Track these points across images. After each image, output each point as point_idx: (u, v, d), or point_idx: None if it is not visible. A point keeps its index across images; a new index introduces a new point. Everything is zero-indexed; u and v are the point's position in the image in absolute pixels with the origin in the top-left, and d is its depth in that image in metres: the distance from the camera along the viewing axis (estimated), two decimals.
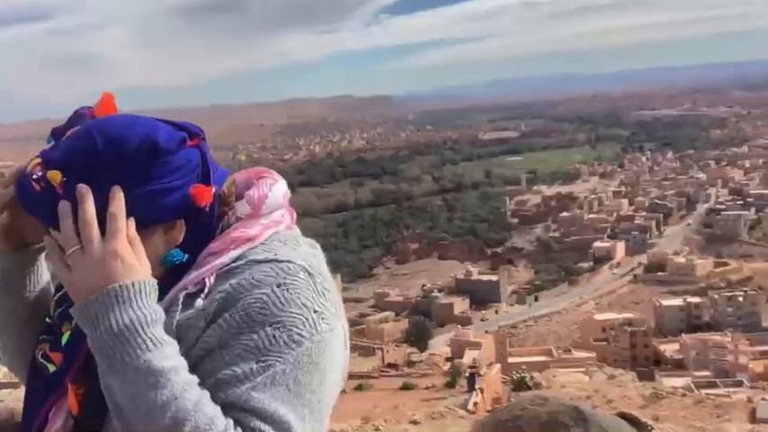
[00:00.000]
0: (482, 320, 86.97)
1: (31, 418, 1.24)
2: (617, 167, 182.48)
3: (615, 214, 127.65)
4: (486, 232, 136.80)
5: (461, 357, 46.08)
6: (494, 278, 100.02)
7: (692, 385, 33.18)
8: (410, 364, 47.71)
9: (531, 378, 24.33)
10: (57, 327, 1.26)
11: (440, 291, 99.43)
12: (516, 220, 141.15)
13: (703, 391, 26.32)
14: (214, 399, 1.08)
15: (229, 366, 1.10)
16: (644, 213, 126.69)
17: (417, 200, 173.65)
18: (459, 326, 74.68)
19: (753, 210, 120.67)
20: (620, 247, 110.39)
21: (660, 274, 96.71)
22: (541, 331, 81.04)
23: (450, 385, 27.87)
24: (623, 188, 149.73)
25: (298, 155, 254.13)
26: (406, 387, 30.08)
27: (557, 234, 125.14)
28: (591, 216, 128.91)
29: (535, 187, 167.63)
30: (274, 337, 1.10)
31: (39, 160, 1.15)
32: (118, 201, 1.11)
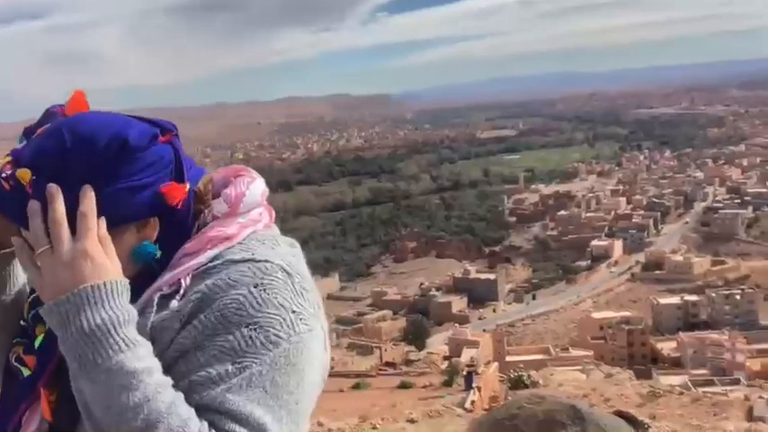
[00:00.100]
0: (480, 319, 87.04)
1: (5, 423, 1.20)
2: (615, 166, 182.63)
3: (613, 213, 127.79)
4: (483, 231, 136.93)
5: (459, 356, 46.14)
6: (491, 277, 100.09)
7: (689, 383, 33.22)
8: (408, 362, 47.76)
9: (529, 376, 24.36)
10: (30, 329, 1.22)
11: (438, 289, 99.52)
12: (514, 219, 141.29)
13: (700, 390, 26.38)
14: (189, 401, 1.06)
15: (204, 368, 1.08)
16: (641, 212, 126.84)
17: (415, 198, 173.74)
18: (456, 324, 74.76)
19: (750, 208, 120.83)
20: (618, 245, 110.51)
21: (658, 272, 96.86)
22: (539, 330, 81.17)
23: (448, 384, 27.91)
24: (621, 187, 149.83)
25: (296, 153, 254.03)
26: (403, 386, 30.12)
27: (554, 233, 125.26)
28: (588, 215, 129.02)
29: (533, 186, 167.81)
30: (251, 338, 1.09)
31: (9, 158, 1.13)
32: (89, 200, 1.09)
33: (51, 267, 1.08)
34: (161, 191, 1.15)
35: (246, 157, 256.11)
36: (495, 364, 32.44)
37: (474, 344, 52.75)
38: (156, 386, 1.04)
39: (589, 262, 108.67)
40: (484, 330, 66.81)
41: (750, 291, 78.69)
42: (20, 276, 1.35)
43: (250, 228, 1.23)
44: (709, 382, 36.73)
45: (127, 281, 1.11)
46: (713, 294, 77.76)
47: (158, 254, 1.18)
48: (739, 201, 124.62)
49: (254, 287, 1.11)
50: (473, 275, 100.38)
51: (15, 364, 1.23)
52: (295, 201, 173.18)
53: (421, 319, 78.36)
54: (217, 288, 1.12)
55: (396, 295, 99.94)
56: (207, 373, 1.07)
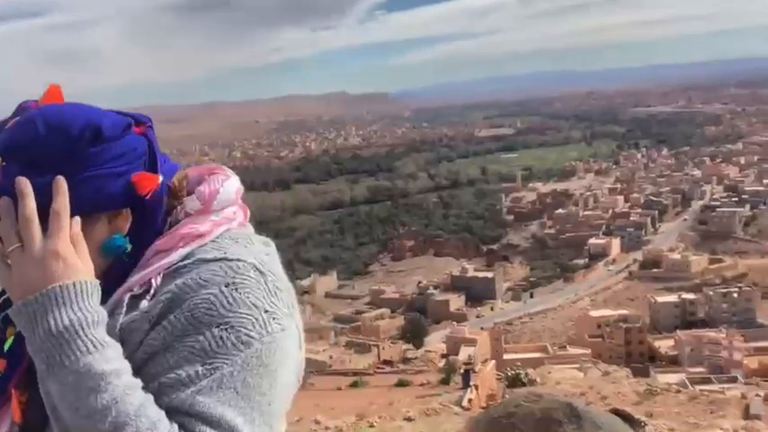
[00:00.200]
0: (477, 317, 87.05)
1: None
2: (612, 164, 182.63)
3: (610, 211, 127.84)
4: (481, 229, 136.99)
5: (457, 354, 46.13)
6: (489, 275, 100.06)
7: (686, 381, 33.25)
8: (406, 360, 47.86)
9: (526, 375, 24.33)
10: (0, 331, 1.20)
11: (435, 288, 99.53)
12: (512, 217, 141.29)
13: (697, 388, 26.39)
14: (159, 403, 1.04)
15: (174, 369, 1.06)
16: (639, 210, 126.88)
17: (413, 197, 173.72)
18: (454, 323, 74.78)
19: (747, 206, 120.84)
20: (616, 243, 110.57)
21: (655, 270, 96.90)
22: (537, 328, 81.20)
23: (445, 382, 27.94)
24: (618, 185, 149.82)
25: (294, 152, 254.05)
26: (401, 384, 30.18)
27: (552, 231, 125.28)
28: (586, 213, 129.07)
29: (531, 184, 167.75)
30: (221, 338, 1.07)
31: None
32: (62, 197, 1.07)
33: (21, 266, 1.06)
34: (132, 180, 1.14)
35: (245, 155, 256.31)
36: (493, 362, 32.43)
37: (472, 342, 52.72)
38: (124, 388, 1.02)
39: (587, 260, 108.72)
40: (482, 328, 66.77)
41: (747, 289, 78.70)
42: None
43: (224, 226, 1.22)
44: (707, 380, 36.79)
45: (97, 282, 1.08)
46: (711, 292, 77.75)
47: (129, 247, 1.15)
48: (737, 199, 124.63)
49: (226, 286, 1.10)
50: (471, 274, 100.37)
51: None
52: (293, 199, 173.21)
53: (419, 318, 78.35)
54: (187, 288, 1.10)
55: (394, 293, 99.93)
56: (176, 375, 1.05)
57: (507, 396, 16.41)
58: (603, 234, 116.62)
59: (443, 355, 47.95)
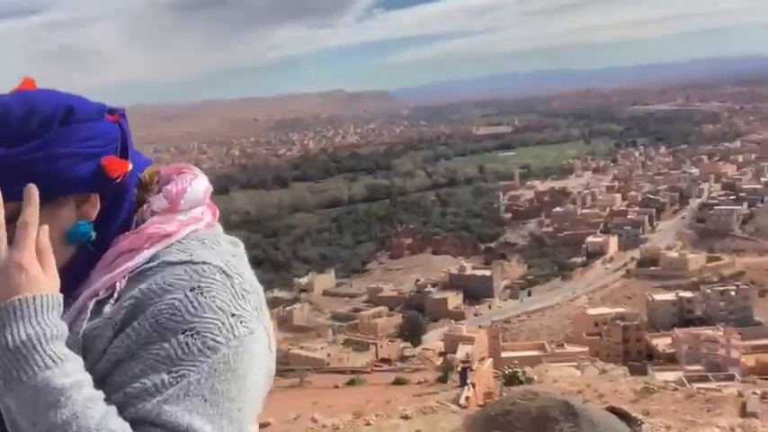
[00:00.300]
0: (475, 315, 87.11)
1: None
2: (610, 163, 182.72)
3: (608, 209, 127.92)
4: (479, 227, 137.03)
5: (455, 352, 46.23)
6: (487, 273, 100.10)
7: (683, 379, 33.25)
8: (403, 358, 47.97)
9: (524, 373, 24.33)
10: None
11: (433, 286, 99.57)
12: (509, 216, 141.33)
13: (695, 386, 26.39)
14: (124, 414, 1.01)
15: (139, 378, 1.02)
16: (637, 208, 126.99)
17: (411, 195, 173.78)
18: (452, 321, 74.88)
19: (745, 204, 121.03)
20: (613, 241, 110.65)
21: (653, 268, 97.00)
22: (534, 326, 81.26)
23: (443, 380, 28.01)
24: (616, 183, 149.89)
25: (292, 150, 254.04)
26: (398, 382, 30.26)
27: (550, 229, 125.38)
28: (584, 211, 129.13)
29: (528, 182, 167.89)
30: (187, 344, 1.03)
31: None
32: (32, 207, 1.05)
33: None
34: (102, 163, 1.12)
35: (243, 153, 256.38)
36: (490, 360, 32.46)
37: (469, 340, 52.79)
38: (84, 401, 0.99)
39: (584, 258, 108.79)
40: (479, 327, 66.87)
41: (745, 287, 78.82)
42: None
43: (191, 226, 1.19)
44: (704, 378, 36.81)
45: (60, 295, 1.06)
46: (708, 290, 77.87)
47: (93, 235, 1.13)
48: (734, 197, 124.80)
49: (191, 291, 1.06)
50: (469, 272, 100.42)
51: None
52: (291, 197, 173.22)
53: (417, 316, 78.44)
54: (151, 293, 1.07)
55: (391, 291, 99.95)
56: (142, 384, 1.02)
57: (504, 394, 16.45)
58: (601, 232, 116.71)
59: (441, 354, 48.05)
